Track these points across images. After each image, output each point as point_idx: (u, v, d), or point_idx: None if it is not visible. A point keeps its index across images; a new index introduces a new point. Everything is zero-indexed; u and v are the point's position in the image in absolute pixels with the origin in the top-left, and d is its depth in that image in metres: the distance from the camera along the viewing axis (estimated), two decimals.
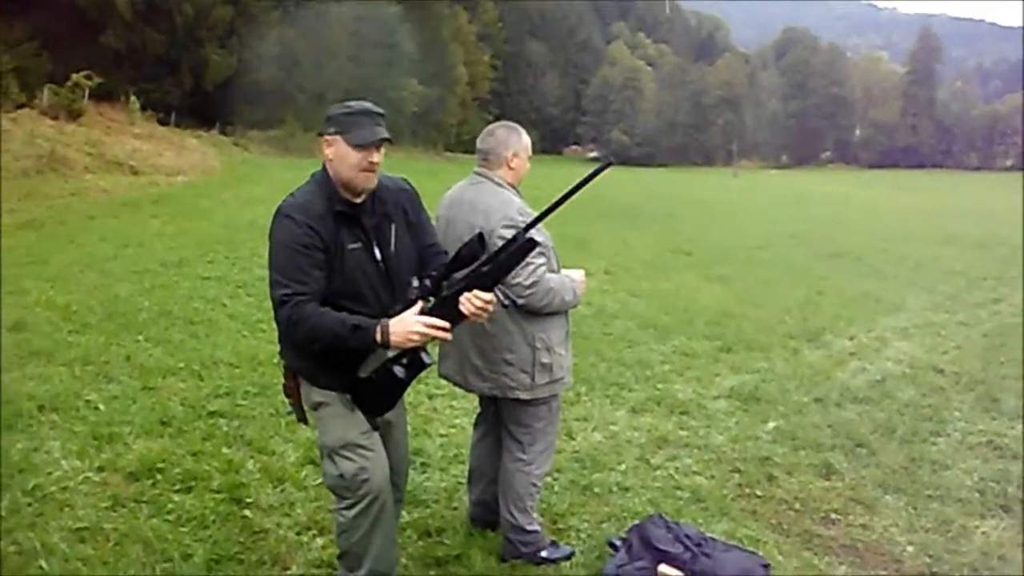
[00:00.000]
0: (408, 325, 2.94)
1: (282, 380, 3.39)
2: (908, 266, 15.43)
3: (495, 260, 2.98)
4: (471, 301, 2.94)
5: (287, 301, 2.97)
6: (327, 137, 3.10)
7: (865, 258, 16.33)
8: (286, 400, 3.43)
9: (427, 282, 3.06)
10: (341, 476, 3.24)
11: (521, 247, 2.97)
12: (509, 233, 3.42)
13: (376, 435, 3.32)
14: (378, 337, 2.94)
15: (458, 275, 3.01)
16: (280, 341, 3.29)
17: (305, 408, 3.33)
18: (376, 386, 3.12)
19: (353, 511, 3.27)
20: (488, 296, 2.96)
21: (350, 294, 3.11)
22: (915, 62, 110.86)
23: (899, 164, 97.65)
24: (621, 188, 35.59)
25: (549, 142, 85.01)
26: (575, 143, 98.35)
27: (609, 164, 2.96)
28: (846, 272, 14.44)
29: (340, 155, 3.07)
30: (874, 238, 20.07)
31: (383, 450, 3.34)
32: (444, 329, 2.96)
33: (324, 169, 3.17)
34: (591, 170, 2.91)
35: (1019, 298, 12.33)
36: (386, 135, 3.08)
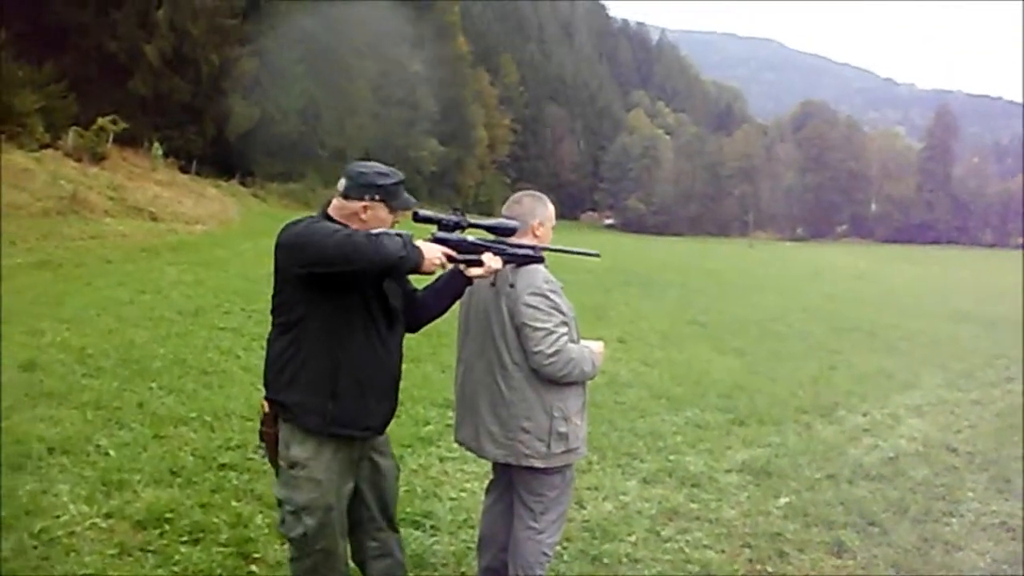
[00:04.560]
0: (433, 251, 3.20)
1: (260, 424, 3.41)
2: (921, 342, 15.37)
3: (512, 246, 3.54)
4: (493, 261, 3.39)
5: (344, 235, 3.00)
6: (366, 203, 3.22)
7: (879, 333, 16.27)
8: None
9: (457, 218, 3.37)
10: (305, 535, 3.33)
11: (535, 257, 3.64)
12: (535, 300, 3.55)
13: (343, 490, 3.42)
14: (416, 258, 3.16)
15: (489, 237, 3.48)
16: (270, 378, 3.34)
17: (280, 462, 3.33)
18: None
19: (309, 561, 3.40)
20: (498, 265, 3.43)
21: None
22: (932, 138, 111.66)
23: (914, 239, 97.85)
24: (637, 257, 35.78)
25: (566, 207, 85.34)
26: (592, 209, 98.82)
27: (597, 256, 4.06)
28: (859, 347, 14.38)
29: (378, 219, 3.25)
30: (887, 314, 20.04)
31: (345, 504, 3.44)
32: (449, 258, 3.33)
33: (325, 216, 3.28)
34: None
35: None
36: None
